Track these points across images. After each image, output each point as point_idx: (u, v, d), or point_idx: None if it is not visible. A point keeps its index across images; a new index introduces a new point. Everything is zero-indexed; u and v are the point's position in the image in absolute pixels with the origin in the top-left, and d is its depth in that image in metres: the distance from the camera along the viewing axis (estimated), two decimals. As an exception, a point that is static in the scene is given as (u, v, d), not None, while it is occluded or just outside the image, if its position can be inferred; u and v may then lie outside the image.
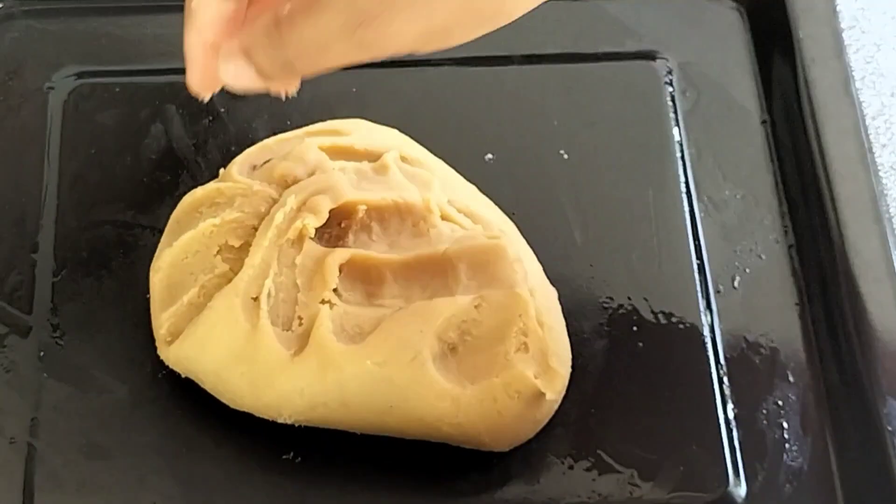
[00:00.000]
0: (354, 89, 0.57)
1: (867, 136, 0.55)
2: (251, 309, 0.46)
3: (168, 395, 0.49)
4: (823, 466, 0.48)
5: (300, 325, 0.46)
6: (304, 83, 0.58)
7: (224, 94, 0.57)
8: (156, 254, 0.49)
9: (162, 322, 0.48)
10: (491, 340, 0.46)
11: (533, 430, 0.47)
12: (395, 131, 0.53)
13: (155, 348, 0.48)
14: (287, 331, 0.46)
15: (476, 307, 0.46)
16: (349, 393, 0.46)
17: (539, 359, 0.46)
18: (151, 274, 0.49)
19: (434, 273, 0.48)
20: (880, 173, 0.55)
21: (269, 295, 0.46)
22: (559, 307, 0.49)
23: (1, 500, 0.47)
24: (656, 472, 0.48)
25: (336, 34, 0.38)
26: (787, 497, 0.47)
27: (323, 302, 0.46)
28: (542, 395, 0.46)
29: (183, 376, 0.48)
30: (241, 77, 0.41)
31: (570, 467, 0.48)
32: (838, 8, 0.60)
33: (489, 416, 0.45)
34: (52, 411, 0.49)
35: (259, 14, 0.40)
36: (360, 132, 0.53)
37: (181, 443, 0.48)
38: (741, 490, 0.47)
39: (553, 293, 0.49)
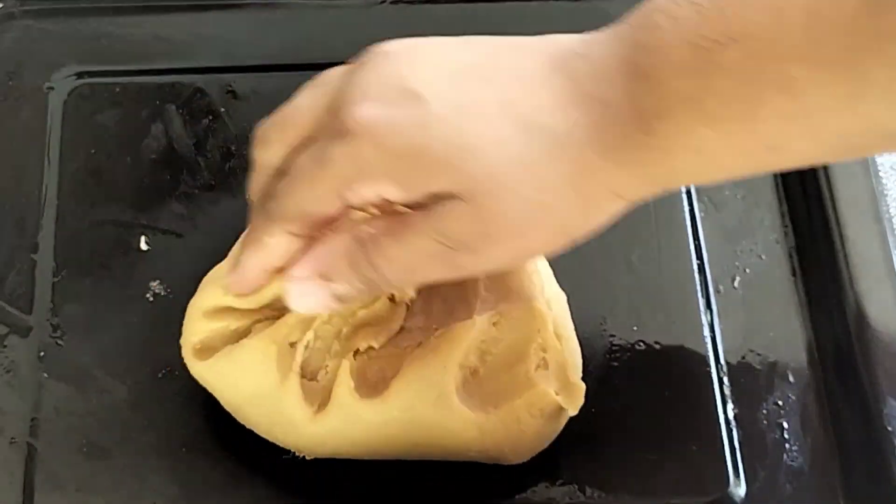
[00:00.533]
0: (354, 89, 0.57)
1: (867, 136, 0.55)
2: (285, 357, 0.45)
3: (168, 396, 0.49)
4: (823, 466, 0.48)
5: (325, 374, 0.46)
6: (302, 84, 0.58)
7: (224, 93, 0.57)
8: (228, 260, 0.48)
9: (197, 329, 0.47)
10: (511, 358, 0.46)
11: (550, 440, 0.47)
12: None
13: (154, 349, 0.48)
14: (313, 380, 0.46)
15: (494, 324, 0.46)
16: (374, 440, 0.45)
17: (559, 374, 0.46)
18: (212, 278, 0.48)
19: (454, 283, 0.48)
20: (880, 173, 0.55)
21: (306, 346, 0.45)
22: (569, 312, 0.49)
23: (1, 499, 0.47)
24: (656, 472, 0.48)
25: (427, 258, 0.39)
26: (787, 497, 0.47)
27: (351, 353, 0.46)
28: (564, 410, 0.46)
29: (182, 377, 0.48)
30: (315, 303, 0.42)
31: (570, 467, 0.48)
32: (838, 8, 0.60)
33: (513, 435, 0.45)
34: (52, 411, 0.49)
35: (331, 239, 0.41)
36: None
37: (181, 443, 0.48)
38: (741, 490, 0.47)
39: (563, 298, 0.49)
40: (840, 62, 0.33)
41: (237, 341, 0.47)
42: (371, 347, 0.46)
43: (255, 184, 0.44)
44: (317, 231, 0.41)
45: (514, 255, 0.41)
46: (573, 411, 0.46)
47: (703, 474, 0.48)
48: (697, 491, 0.47)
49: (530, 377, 0.45)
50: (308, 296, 0.42)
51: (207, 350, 0.47)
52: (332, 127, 0.39)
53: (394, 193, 0.39)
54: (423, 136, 0.38)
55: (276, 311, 0.47)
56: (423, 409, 0.45)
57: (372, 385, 0.45)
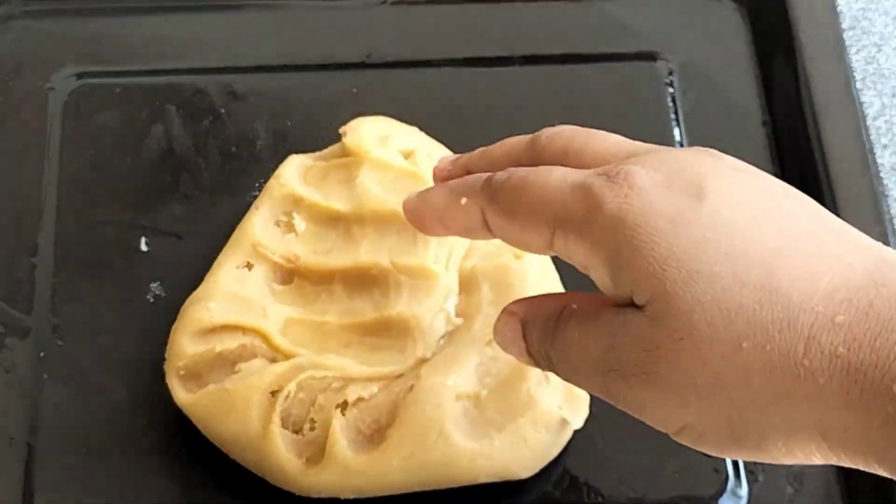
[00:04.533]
0: (354, 90, 0.57)
1: (868, 136, 0.55)
2: (266, 407, 0.45)
3: (168, 396, 0.48)
4: (824, 467, 0.48)
5: (311, 429, 0.45)
6: (303, 84, 0.58)
7: (223, 93, 0.57)
8: (211, 275, 0.48)
9: (182, 353, 0.46)
10: (511, 377, 0.45)
11: (559, 450, 0.47)
12: (415, 129, 0.53)
13: (154, 350, 0.48)
14: (297, 433, 0.45)
15: (488, 344, 0.46)
16: (376, 488, 0.45)
17: (561, 387, 0.46)
18: (197, 300, 0.47)
19: (461, 291, 0.48)
20: (881, 174, 0.55)
21: (287, 396, 0.45)
22: None
23: (0, 500, 0.47)
24: (656, 473, 0.48)
25: (591, 366, 0.35)
26: (787, 498, 0.47)
27: (336, 406, 0.45)
28: (569, 423, 0.46)
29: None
30: (509, 343, 0.39)
31: (570, 468, 0.48)
32: (839, 8, 0.60)
33: (521, 454, 0.45)
34: (51, 412, 0.49)
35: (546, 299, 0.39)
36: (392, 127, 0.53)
37: (181, 444, 0.48)
38: (742, 491, 0.47)
39: None
40: None
41: (223, 367, 0.46)
42: (361, 399, 0.45)
43: (464, 158, 0.42)
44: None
45: (661, 418, 0.34)
46: (578, 424, 0.46)
47: (704, 475, 0.48)
48: (698, 492, 0.47)
49: (532, 394, 0.45)
50: (509, 335, 0.39)
51: (192, 377, 0.46)
52: (605, 171, 0.35)
53: (599, 274, 0.34)
54: (666, 234, 0.32)
55: (261, 333, 0.47)
56: (424, 453, 0.44)
57: (367, 438, 0.45)
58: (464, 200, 0.38)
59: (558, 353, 0.36)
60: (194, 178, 0.55)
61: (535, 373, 0.45)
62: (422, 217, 0.40)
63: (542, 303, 0.38)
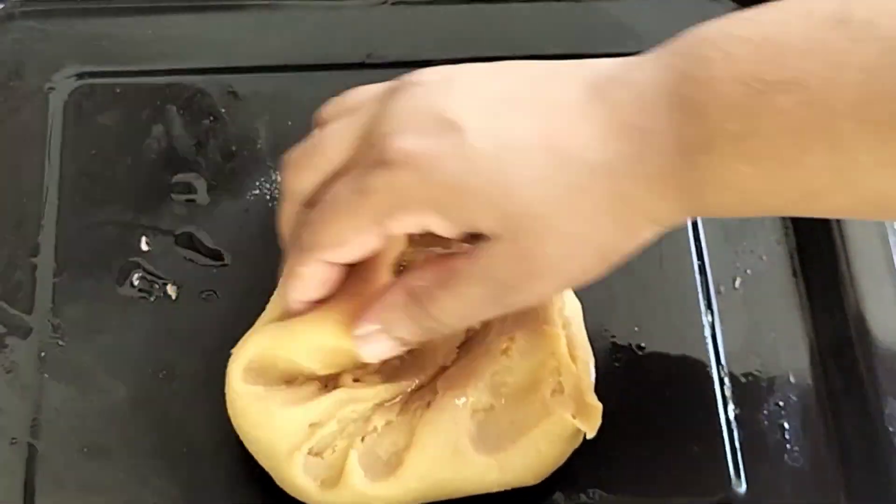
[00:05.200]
0: (355, 90, 0.57)
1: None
2: (300, 437, 0.44)
3: (168, 396, 0.49)
4: (824, 467, 0.48)
5: (332, 452, 0.45)
6: (302, 84, 0.58)
7: (224, 94, 0.57)
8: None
9: (260, 346, 0.45)
10: (526, 387, 0.45)
11: (567, 456, 0.47)
12: None
13: (155, 349, 0.48)
14: (317, 456, 0.45)
15: (504, 352, 0.46)
16: None
17: (575, 396, 0.45)
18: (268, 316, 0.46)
19: None
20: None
21: (324, 433, 0.44)
22: (582, 321, 0.49)
23: (2, 500, 0.47)
24: (657, 473, 0.48)
25: (479, 302, 0.40)
26: (787, 498, 0.47)
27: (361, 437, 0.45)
28: (582, 432, 0.45)
29: (182, 377, 0.48)
30: (382, 351, 0.43)
31: (570, 468, 0.48)
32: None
33: (533, 464, 0.45)
34: (52, 412, 0.49)
35: (387, 296, 0.42)
36: None
37: (182, 443, 0.48)
38: (742, 491, 0.47)
39: (579, 308, 0.49)
40: (888, 125, 0.34)
41: (276, 373, 0.45)
42: (389, 422, 0.45)
43: (286, 213, 0.44)
44: (351, 263, 0.42)
45: (556, 287, 0.41)
46: (591, 433, 0.45)
47: (704, 475, 0.48)
48: (698, 491, 0.47)
49: (546, 404, 0.45)
50: (374, 345, 0.42)
51: (252, 371, 0.45)
52: (371, 157, 0.39)
53: (438, 225, 0.39)
54: (465, 171, 0.38)
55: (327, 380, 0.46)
56: (440, 471, 0.44)
57: (384, 462, 0.44)
58: (304, 269, 0.42)
59: (441, 319, 0.41)
60: (194, 178, 0.55)
61: (549, 382, 0.45)
62: (305, 302, 0.43)
63: (386, 304, 0.41)
